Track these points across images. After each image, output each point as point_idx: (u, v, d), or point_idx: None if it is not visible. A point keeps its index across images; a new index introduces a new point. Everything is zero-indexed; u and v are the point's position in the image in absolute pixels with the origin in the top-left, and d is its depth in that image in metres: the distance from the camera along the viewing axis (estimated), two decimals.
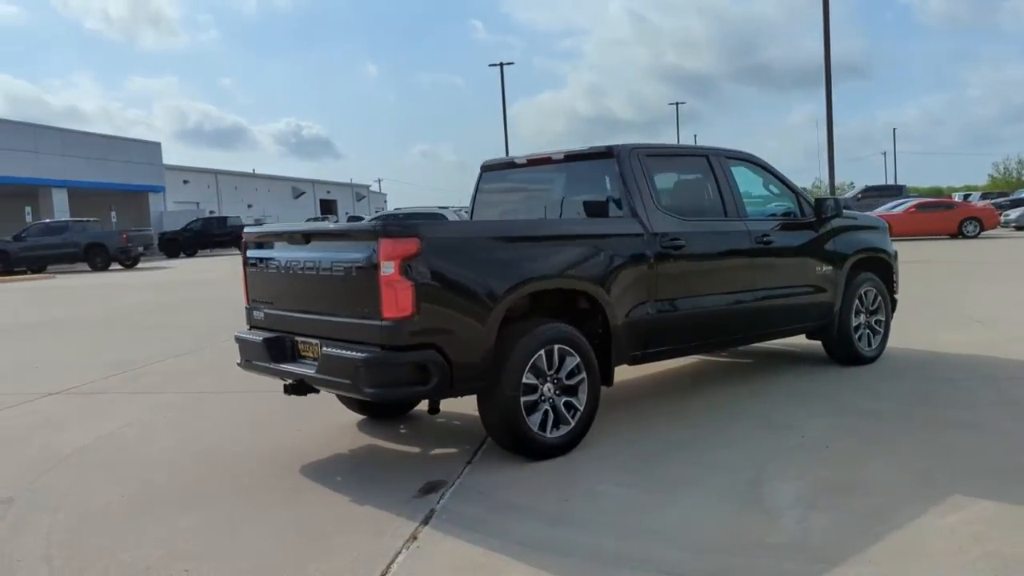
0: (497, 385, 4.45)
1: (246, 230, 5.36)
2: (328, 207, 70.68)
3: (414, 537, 3.64)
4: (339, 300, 4.50)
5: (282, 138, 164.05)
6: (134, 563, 3.50)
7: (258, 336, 5.01)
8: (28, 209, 37.00)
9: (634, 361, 5.37)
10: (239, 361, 5.23)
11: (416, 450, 5.13)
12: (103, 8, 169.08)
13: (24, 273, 28.76)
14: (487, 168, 6.38)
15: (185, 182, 52.73)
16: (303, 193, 67.04)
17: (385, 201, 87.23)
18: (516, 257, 4.64)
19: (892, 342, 7.16)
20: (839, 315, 6.62)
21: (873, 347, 6.93)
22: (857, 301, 6.75)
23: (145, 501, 4.30)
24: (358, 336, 4.32)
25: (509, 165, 6.29)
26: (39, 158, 39.92)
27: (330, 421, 5.67)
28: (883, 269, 7.15)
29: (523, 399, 4.52)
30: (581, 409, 4.81)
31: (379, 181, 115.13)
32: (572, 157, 5.70)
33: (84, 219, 32.40)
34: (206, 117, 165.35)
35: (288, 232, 5.13)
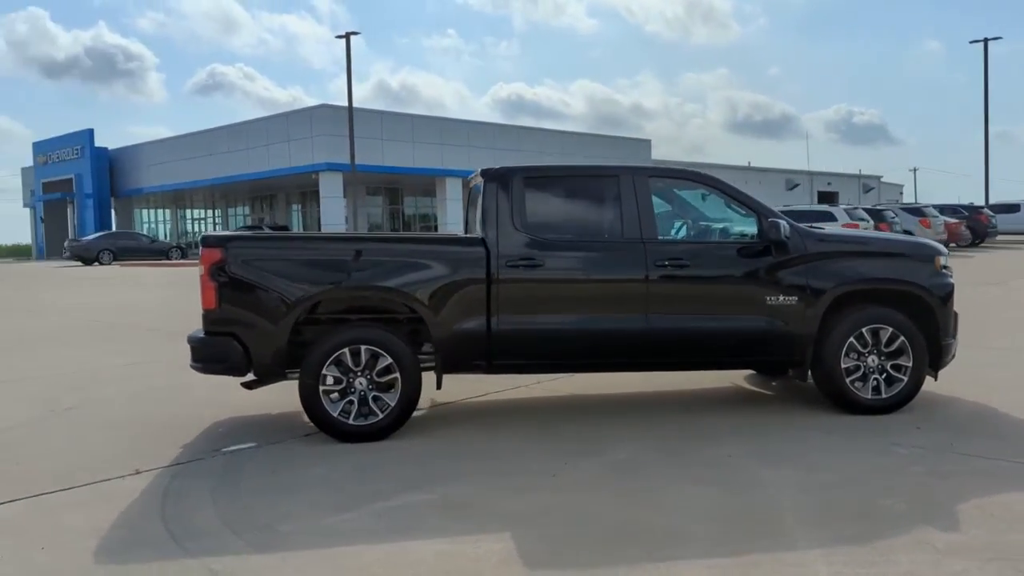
0: (300, 374, 5.46)
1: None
2: (828, 199, 68.15)
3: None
4: None
5: (832, 126, 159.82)
6: None
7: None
8: None
9: (486, 370, 5.78)
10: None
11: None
12: (660, 11, 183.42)
13: None
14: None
15: None
16: (797, 185, 65.84)
17: (900, 193, 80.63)
18: (316, 267, 5.54)
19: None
20: (820, 353, 5.84)
21: (885, 395, 5.89)
22: (855, 340, 5.84)
23: None
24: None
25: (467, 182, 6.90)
26: (543, 159, 46.53)
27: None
28: (916, 306, 5.96)
29: (321, 388, 5.44)
30: (392, 405, 5.50)
31: (914, 170, 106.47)
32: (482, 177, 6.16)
33: None
34: (755, 108, 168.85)
35: None
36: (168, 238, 55.91)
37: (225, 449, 5.44)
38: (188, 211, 61.11)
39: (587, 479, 4.69)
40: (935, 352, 5.99)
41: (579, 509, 4.19)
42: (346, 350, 5.45)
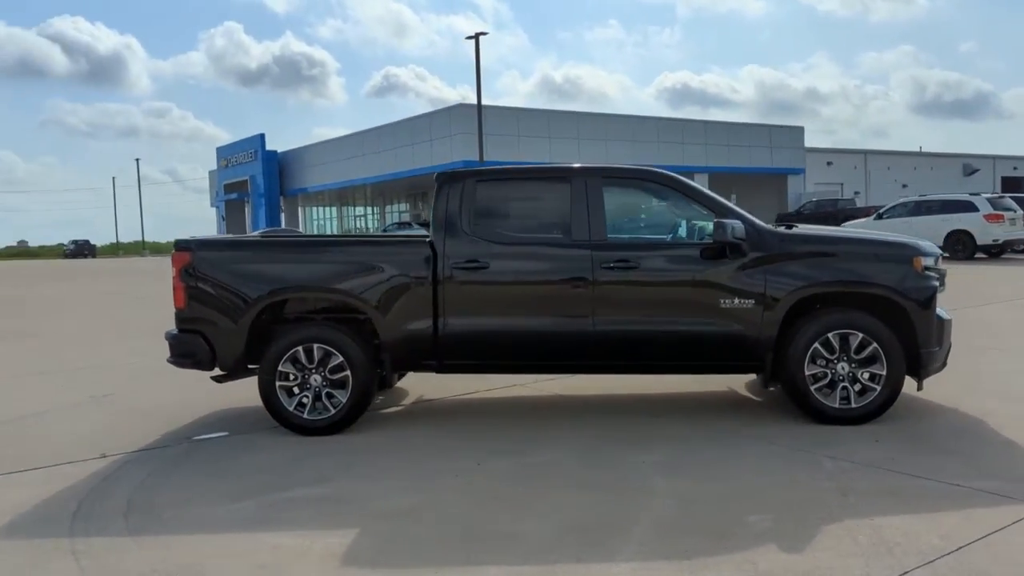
0: (259, 369, 5.84)
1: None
2: (1014, 185, 62.38)
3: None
4: None
5: None
6: None
7: None
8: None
9: (437, 370, 5.93)
10: None
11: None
12: None
13: None
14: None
15: (828, 164, 53.25)
16: (976, 171, 60.64)
17: None
18: (273, 270, 5.87)
19: None
20: (783, 360, 5.58)
21: (855, 405, 5.55)
22: (821, 346, 5.53)
23: None
24: None
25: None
26: (685, 148, 45.63)
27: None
28: (893, 311, 5.56)
29: (278, 383, 5.78)
30: (344, 401, 5.77)
31: None
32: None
33: None
34: (945, 87, 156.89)
35: None
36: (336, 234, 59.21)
37: (196, 437, 5.90)
38: (351, 208, 64.36)
39: (484, 480, 4.75)
40: (916, 361, 5.56)
41: (448, 510, 4.28)
42: (300, 348, 5.76)
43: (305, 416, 5.78)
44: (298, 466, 5.12)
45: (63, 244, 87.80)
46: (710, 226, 5.70)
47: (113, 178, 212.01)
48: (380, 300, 5.77)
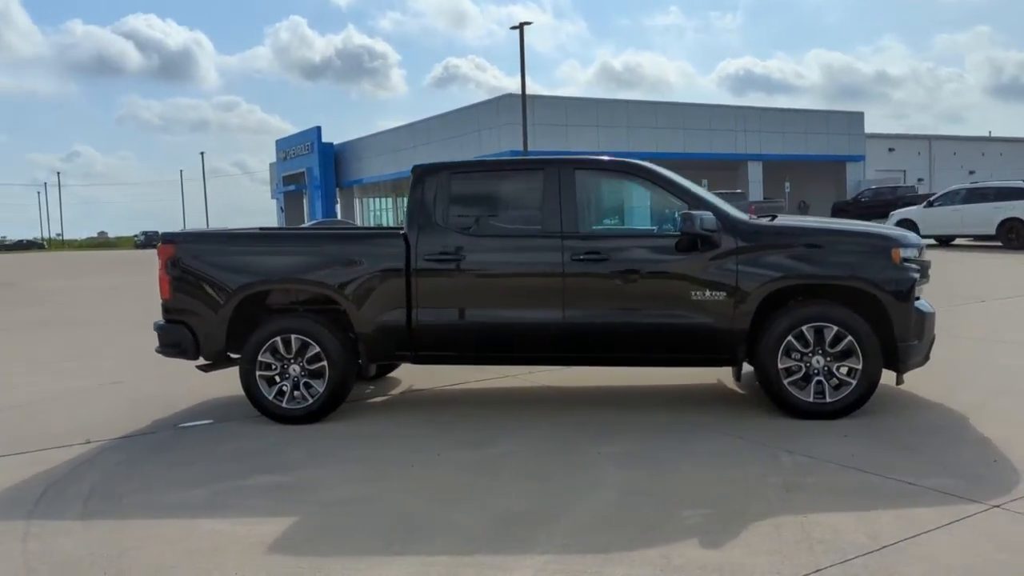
0: (240, 358, 5.99)
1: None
2: None
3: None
4: None
5: None
6: None
7: None
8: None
9: (413, 361, 6.00)
10: None
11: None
12: None
13: None
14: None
15: (891, 150, 51.80)
16: None
17: None
18: (251, 262, 6.00)
19: None
20: (757, 353, 5.50)
21: (829, 399, 5.44)
22: (795, 339, 5.44)
23: None
24: None
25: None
26: (738, 136, 44.87)
27: None
28: (870, 304, 5.43)
29: (258, 373, 5.92)
30: (321, 391, 5.88)
31: None
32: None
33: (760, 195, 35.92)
34: (1023, 68, 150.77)
35: None
36: (391, 225, 59.82)
37: (181, 424, 6.08)
38: (405, 199, 64.91)
39: (439, 471, 4.80)
40: (894, 355, 5.43)
41: (392, 500, 4.33)
42: (279, 339, 5.89)
43: (284, 405, 5.91)
44: (266, 454, 5.25)
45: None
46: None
47: (181, 171, 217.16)
48: (354, 292, 5.86)
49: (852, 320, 5.38)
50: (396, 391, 7.02)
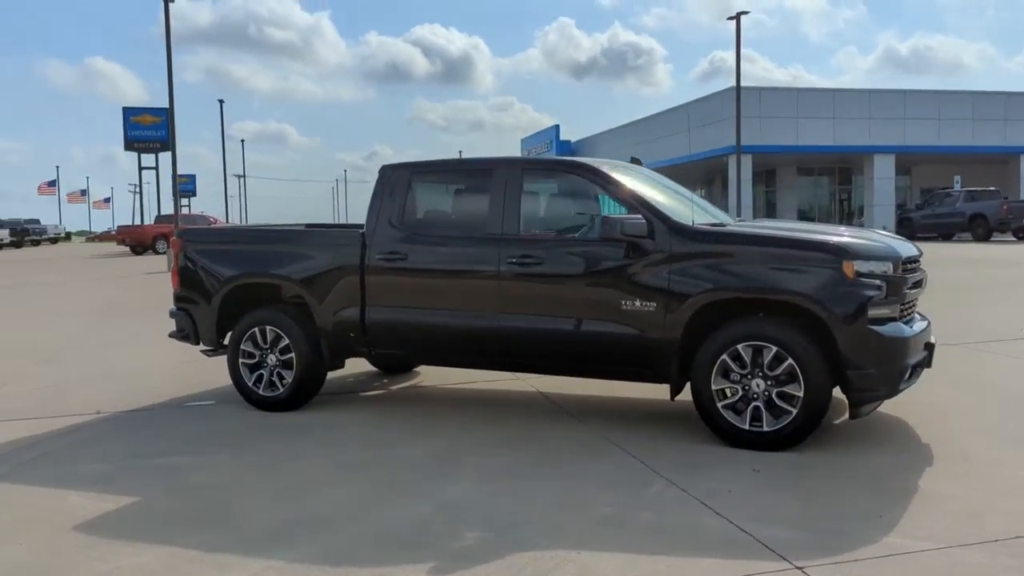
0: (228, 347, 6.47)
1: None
2: None
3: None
4: None
5: None
6: None
7: None
8: (957, 178, 37.75)
9: (368, 357, 6.16)
10: None
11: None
12: None
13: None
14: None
15: None
16: None
17: None
18: (236, 257, 6.41)
19: None
20: (692, 372, 5.03)
21: (767, 428, 4.84)
22: (729, 359, 4.91)
23: None
24: None
25: None
26: (1008, 125, 39.76)
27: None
28: (816, 323, 4.75)
29: (240, 360, 6.35)
30: (289, 380, 6.20)
31: None
32: None
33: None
34: None
35: None
36: None
37: (187, 403, 6.67)
38: None
39: (321, 469, 4.88)
40: (845, 385, 4.72)
41: (256, 493, 4.47)
42: (256, 329, 6.27)
43: (261, 392, 6.28)
44: (216, 437, 5.59)
45: None
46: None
47: None
48: (315, 288, 6.09)
49: (792, 340, 4.73)
50: (397, 386, 7.15)
